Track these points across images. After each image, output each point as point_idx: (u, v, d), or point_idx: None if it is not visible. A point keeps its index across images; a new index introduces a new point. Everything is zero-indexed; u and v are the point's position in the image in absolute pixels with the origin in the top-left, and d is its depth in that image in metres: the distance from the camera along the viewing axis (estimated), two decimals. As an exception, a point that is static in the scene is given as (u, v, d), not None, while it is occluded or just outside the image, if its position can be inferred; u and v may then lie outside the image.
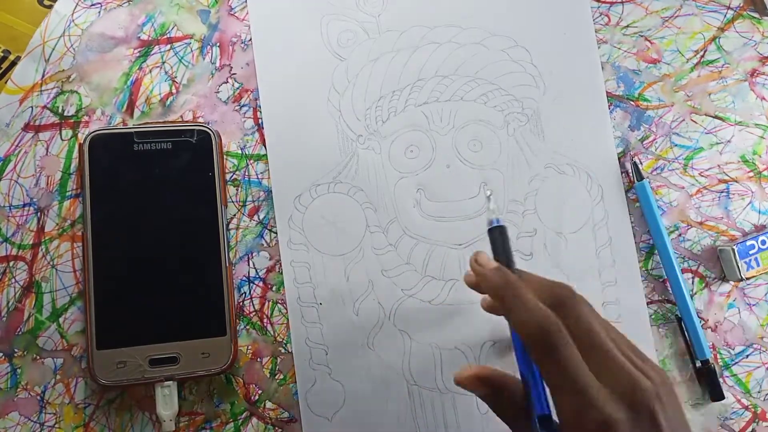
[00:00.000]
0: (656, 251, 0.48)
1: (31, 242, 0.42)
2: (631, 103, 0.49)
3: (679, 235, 0.48)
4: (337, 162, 0.45)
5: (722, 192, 0.49)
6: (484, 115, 0.47)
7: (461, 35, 0.48)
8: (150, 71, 0.44)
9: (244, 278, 0.44)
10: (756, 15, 0.51)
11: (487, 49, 0.48)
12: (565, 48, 0.49)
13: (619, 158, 0.48)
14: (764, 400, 0.48)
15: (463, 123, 0.47)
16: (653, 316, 0.47)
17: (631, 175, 0.48)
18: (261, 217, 0.45)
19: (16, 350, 0.41)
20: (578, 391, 0.31)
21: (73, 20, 0.44)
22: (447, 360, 0.44)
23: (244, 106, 0.45)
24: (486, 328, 0.45)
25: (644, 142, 0.49)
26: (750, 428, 0.47)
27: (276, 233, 0.44)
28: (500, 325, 0.44)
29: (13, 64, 0.43)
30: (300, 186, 0.45)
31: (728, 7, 0.51)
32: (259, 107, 0.45)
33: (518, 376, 0.35)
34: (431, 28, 0.47)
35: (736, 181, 0.49)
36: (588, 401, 0.30)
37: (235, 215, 0.44)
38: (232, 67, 0.45)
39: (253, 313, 0.44)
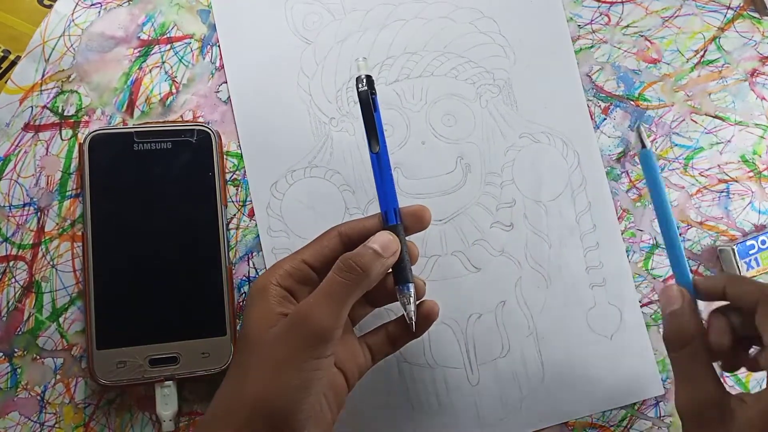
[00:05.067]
0: (656, 250, 0.48)
1: (31, 242, 0.42)
2: (631, 103, 0.49)
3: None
4: (311, 146, 0.45)
5: (722, 192, 0.49)
6: (456, 89, 0.47)
7: (427, 10, 0.48)
8: (150, 71, 0.44)
9: (244, 278, 0.44)
10: (756, 15, 0.51)
11: (454, 22, 0.48)
12: (532, 16, 0.49)
13: (618, 158, 0.48)
14: (764, 400, 0.48)
15: (436, 98, 0.47)
16: (653, 316, 0.47)
17: (635, 143, 0.46)
18: (261, 217, 0.44)
19: (16, 350, 0.41)
20: None
21: (73, 20, 0.44)
22: (434, 335, 0.44)
23: (244, 106, 0.45)
24: (471, 302, 0.45)
25: (644, 142, 0.49)
26: (750, 428, 0.47)
27: (276, 233, 0.44)
28: (484, 297, 0.45)
29: (13, 64, 0.43)
30: (275, 173, 0.45)
31: (728, 7, 0.51)
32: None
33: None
34: (396, 5, 0.47)
35: (736, 181, 0.49)
36: None
37: (235, 215, 0.44)
38: (232, 67, 0.45)
39: (253, 313, 0.44)
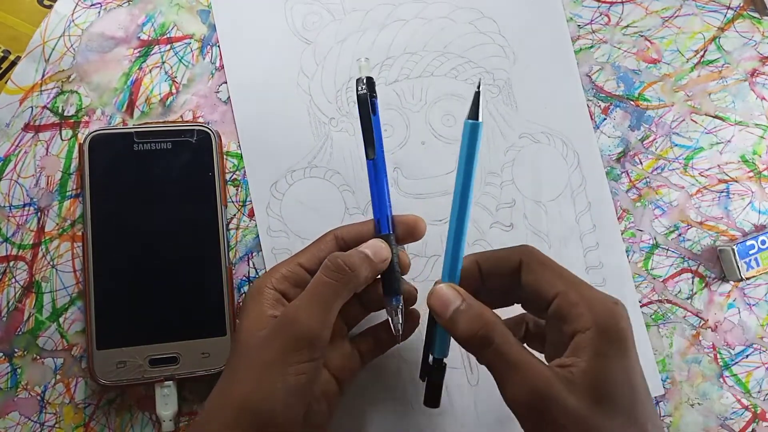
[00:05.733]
0: (656, 250, 0.48)
1: (31, 242, 0.42)
2: (631, 103, 0.49)
3: (679, 235, 0.48)
4: (311, 146, 0.45)
5: (722, 192, 0.49)
6: (456, 89, 0.47)
7: (427, 10, 0.48)
8: (150, 71, 0.44)
9: (244, 278, 0.44)
10: (756, 15, 0.51)
11: (454, 22, 0.48)
12: (532, 16, 0.49)
13: (618, 158, 0.48)
14: (764, 400, 0.48)
15: (435, 98, 0.47)
16: (653, 316, 0.47)
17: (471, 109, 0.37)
18: (261, 217, 0.44)
19: (16, 350, 0.41)
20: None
21: (73, 20, 0.44)
22: None
23: (244, 106, 0.45)
24: None
25: (644, 142, 0.49)
26: (750, 428, 0.47)
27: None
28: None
29: (13, 64, 0.43)
30: (275, 173, 0.45)
31: (728, 7, 0.51)
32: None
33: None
34: (396, 5, 0.47)
35: (736, 181, 0.49)
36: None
37: (235, 215, 0.44)
38: (232, 67, 0.45)
39: (253, 313, 0.44)
